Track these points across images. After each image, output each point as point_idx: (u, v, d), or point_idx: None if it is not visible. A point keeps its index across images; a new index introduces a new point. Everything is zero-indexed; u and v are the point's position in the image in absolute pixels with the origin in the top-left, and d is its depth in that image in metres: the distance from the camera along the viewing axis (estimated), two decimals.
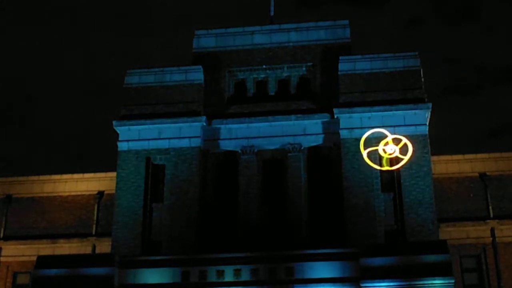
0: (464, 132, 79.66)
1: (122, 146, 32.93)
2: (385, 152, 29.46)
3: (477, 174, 33.58)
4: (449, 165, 33.96)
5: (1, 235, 35.37)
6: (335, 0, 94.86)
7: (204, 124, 32.68)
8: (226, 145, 32.87)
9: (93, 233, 34.59)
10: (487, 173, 33.49)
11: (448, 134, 69.31)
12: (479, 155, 34.13)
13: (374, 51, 34.08)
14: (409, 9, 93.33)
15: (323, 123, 32.38)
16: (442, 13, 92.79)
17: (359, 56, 33.15)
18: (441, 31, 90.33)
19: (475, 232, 32.37)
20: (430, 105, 31.63)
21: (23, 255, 34.62)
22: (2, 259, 34.81)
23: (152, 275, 27.64)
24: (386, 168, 29.86)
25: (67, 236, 34.75)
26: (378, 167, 30.06)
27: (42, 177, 36.48)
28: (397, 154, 29.39)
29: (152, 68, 34.46)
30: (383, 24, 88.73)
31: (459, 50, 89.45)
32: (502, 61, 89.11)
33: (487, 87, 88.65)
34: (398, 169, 29.99)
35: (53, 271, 27.80)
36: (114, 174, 33.42)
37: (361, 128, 31.51)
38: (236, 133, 32.83)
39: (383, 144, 29.45)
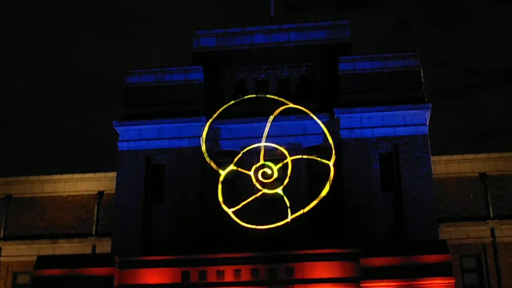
0: (455, 135, 79.97)
1: (122, 146, 32.94)
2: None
3: (477, 174, 33.60)
4: (449, 165, 33.97)
5: (1, 235, 35.38)
6: (324, 4, 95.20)
7: (204, 124, 32.67)
8: (226, 145, 32.87)
9: (93, 233, 34.60)
10: (487, 173, 33.50)
11: (441, 136, 69.51)
12: (479, 155, 34.13)
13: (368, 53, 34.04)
14: (398, 12, 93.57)
15: (323, 123, 32.37)
16: (431, 16, 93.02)
17: (359, 56, 33.14)
18: (430, 34, 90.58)
19: (475, 232, 32.38)
20: (430, 105, 31.63)
21: (23, 255, 34.64)
22: (2, 259, 34.82)
23: (152, 275, 27.66)
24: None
25: (67, 236, 34.76)
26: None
27: (42, 177, 36.49)
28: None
29: (152, 68, 34.45)
30: (372, 27, 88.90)
31: (448, 53, 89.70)
32: (491, 64, 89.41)
33: (477, 90, 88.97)
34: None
35: (53, 271, 27.82)
36: (114, 174, 33.43)
37: (361, 128, 31.57)
38: (236, 133, 32.83)
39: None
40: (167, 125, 32.82)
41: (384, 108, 31.63)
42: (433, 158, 32.58)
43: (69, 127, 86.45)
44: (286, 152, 31.31)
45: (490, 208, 32.80)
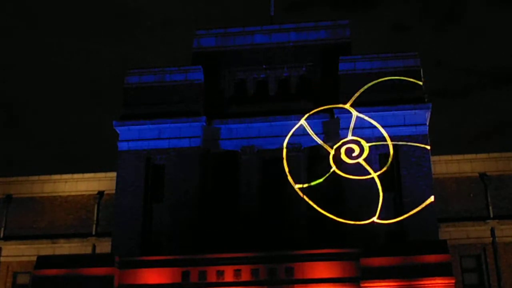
0: (455, 135, 79.99)
1: (122, 146, 32.94)
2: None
3: (477, 174, 33.56)
4: (449, 165, 33.94)
5: (1, 235, 35.34)
6: (324, 4, 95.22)
7: (204, 124, 32.69)
8: (226, 145, 32.88)
9: (93, 233, 34.58)
10: (487, 173, 33.47)
11: (441, 136, 69.53)
12: (479, 155, 34.10)
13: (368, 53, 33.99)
14: (396, 14, 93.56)
15: (323, 123, 32.37)
16: (430, 16, 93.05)
17: (359, 56, 33.14)
18: (429, 34, 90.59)
19: (475, 232, 32.35)
20: (430, 105, 31.63)
21: (23, 255, 34.60)
22: (2, 259, 34.79)
23: (152, 275, 27.65)
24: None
25: (67, 236, 34.73)
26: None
27: (42, 177, 36.45)
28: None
29: (152, 68, 34.46)
30: (372, 27, 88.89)
31: (448, 53, 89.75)
32: (491, 64, 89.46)
33: (476, 90, 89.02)
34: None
35: (53, 271, 27.81)
36: (114, 174, 33.43)
37: (361, 128, 31.55)
38: (236, 133, 32.84)
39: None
40: (167, 125, 32.82)
41: (384, 108, 31.62)
42: (433, 158, 32.57)
43: (69, 127, 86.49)
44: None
45: (490, 208, 32.78)
